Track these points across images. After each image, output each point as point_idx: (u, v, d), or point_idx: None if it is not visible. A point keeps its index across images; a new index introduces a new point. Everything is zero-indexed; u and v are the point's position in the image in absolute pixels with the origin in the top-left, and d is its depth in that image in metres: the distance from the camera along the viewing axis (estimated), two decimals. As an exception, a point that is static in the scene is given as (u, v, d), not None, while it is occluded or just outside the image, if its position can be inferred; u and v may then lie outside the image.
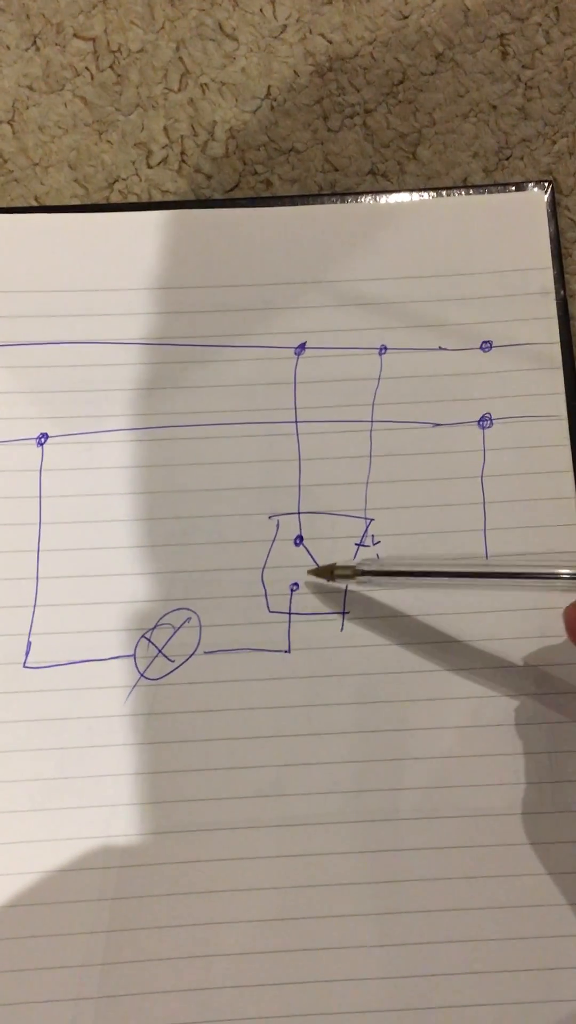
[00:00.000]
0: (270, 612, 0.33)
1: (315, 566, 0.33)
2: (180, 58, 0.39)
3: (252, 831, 0.31)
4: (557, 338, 0.35)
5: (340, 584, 0.33)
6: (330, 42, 0.39)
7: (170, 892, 0.31)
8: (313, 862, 0.31)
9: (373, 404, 0.35)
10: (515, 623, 0.33)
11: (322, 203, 0.37)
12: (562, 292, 0.36)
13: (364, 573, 0.31)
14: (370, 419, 0.35)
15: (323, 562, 0.33)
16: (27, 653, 0.33)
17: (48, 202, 0.37)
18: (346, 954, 0.31)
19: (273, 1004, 0.30)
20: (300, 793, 0.32)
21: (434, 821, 0.32)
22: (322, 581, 0.33)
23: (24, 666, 0.33)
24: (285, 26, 0.39)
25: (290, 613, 0.33)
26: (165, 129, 0.38)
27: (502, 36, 0.39)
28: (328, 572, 0.32)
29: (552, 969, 0.30)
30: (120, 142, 0.38)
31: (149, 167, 0.38)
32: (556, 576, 0.29)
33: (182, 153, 0.38)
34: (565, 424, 0.35)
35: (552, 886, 0.31)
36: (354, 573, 0.32)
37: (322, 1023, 0.30)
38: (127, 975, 0.30)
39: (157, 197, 0.37)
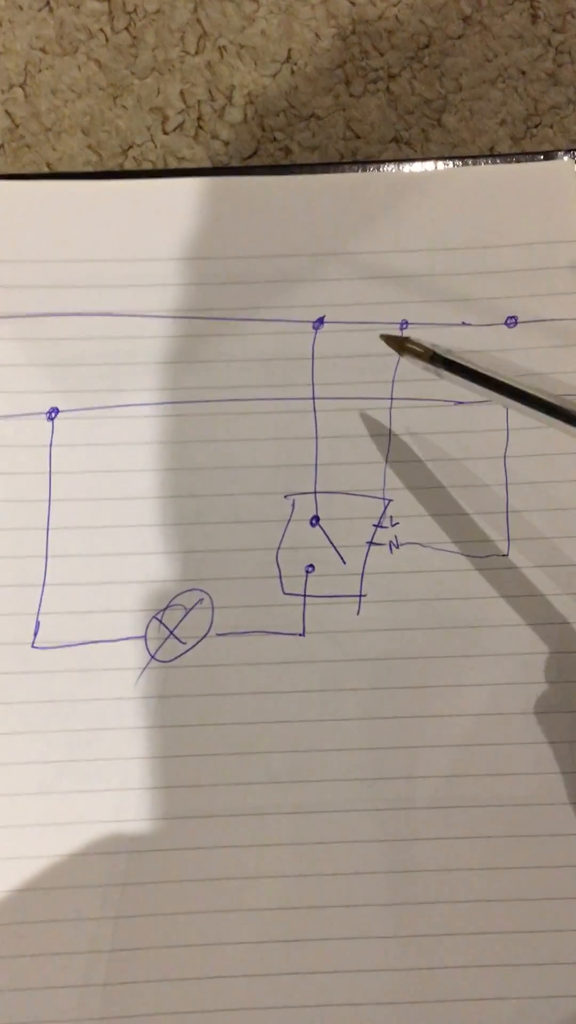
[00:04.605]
0: (284, 594, 0.32)
1: (342, 544, 0.32)
2: (198, 19, 0.37)
3: (265, 817, 0.31)
4: (585, 314, 0.34)
5: (408, 360, 0.30)
6: (353, 4, 0.37)
7: (180, 879, 0.30)
8: (327, 850, 0.30)
9: (393, 381, 0.34)
10: (539, 609, 0.32)
11: (343, 171, 0.35)
12: (592, 266, 0.35)
13: (438, 359, 0.29)
14: (390, 396, 0.34)
15: (339, 544, 0.33)
16: (35, 633, 0.32)
17: (61, 168, 0.36)
18: (359, 944, 0.30)
19: (284, 993, 0.30)
20: (314, 780, 0.31)
21: (451, 810, 0.31)
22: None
23: (33, 646, 0.32)
24: (307, -13, 0.37)
25: (305, 595, 0.32)
26: (182, 93, 0.37)
27: (533, -2, 0.38)
28: (400, 344, 0.30)
29: (572, 964, 0.30)
30: (135, 107, 0.37)
31: (165, 133, 0.36)
32: None
33: (199, 119, 0.37)
34: (593, 403, 0.33)
35: (573, 879, 0.30)
36: (428, 355, 0.29)
37: (334, 1014, 0.29)
38: (135, 962, 0.30)
39: (172, 164, 0.36)
